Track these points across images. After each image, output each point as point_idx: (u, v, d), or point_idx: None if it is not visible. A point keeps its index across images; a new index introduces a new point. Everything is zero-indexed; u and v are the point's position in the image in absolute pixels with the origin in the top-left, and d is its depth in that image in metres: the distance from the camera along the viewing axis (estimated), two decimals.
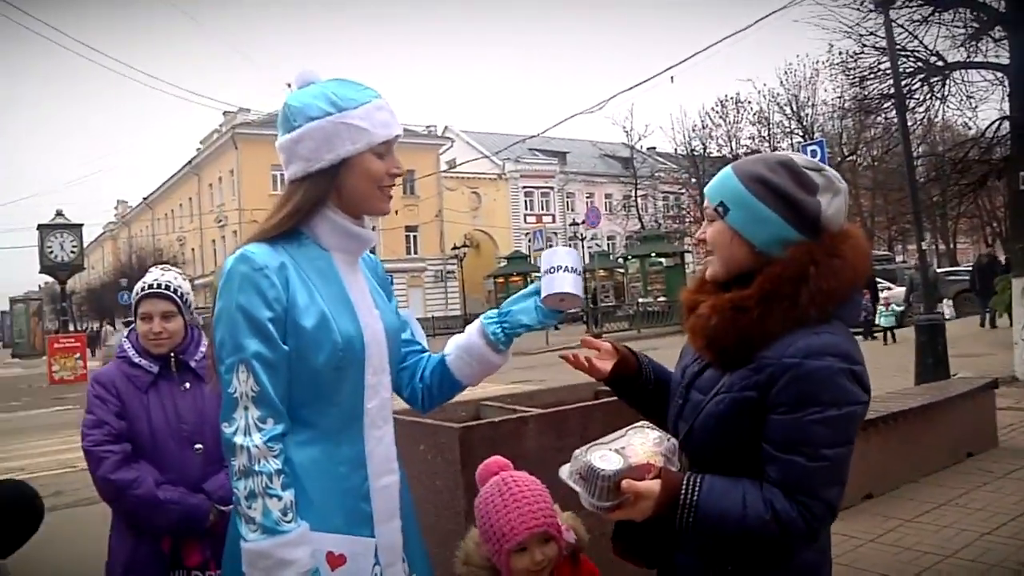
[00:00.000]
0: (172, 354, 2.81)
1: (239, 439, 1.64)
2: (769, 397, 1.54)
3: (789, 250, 1.61)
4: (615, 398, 2.00)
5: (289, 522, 1.63)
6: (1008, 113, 10.62)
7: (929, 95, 11.47)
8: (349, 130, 1.77)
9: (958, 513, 5.08)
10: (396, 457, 1.91)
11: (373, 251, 2.05)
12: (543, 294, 1.89)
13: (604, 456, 1.57)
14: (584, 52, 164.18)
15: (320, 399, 1.75)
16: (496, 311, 2.01)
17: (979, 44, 10.99)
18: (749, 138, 40.65)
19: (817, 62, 33.00)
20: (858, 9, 11.22)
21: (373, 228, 1.99)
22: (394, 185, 1.87)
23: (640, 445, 1.62)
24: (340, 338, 1.73)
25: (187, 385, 2.80)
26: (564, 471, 1.63)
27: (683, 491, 1.54)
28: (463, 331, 2.05)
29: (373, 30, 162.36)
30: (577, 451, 1.61)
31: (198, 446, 2.74)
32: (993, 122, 11.11)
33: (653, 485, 1.54)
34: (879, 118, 12.63)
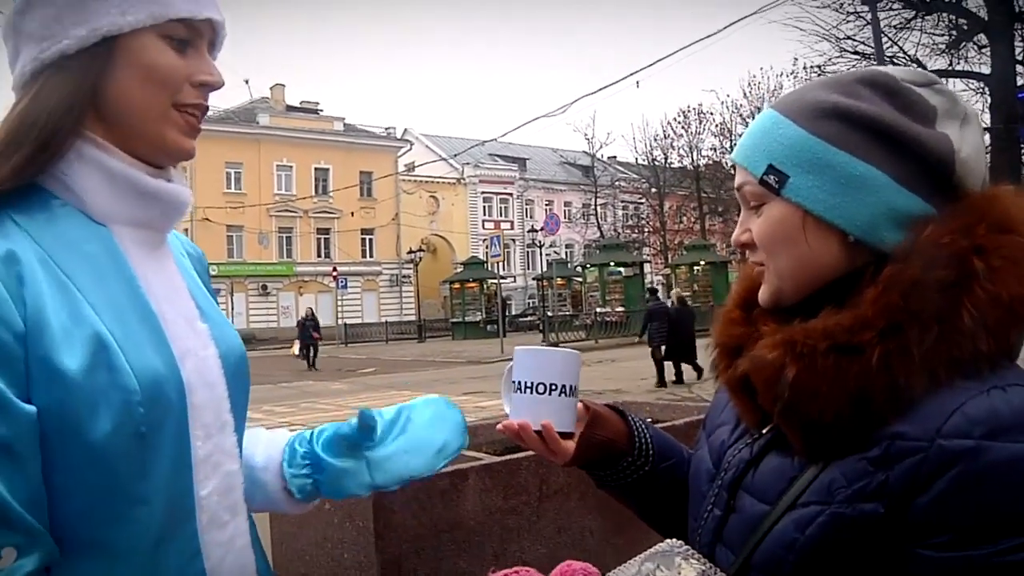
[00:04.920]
0: None
1: None
2: (912, 514, 0.79)
3: (923, 232, 0.85)
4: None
5: None
6: (989, 125, 10.15)
7: None
8: None
9: None
10: (259, 559, 1.10)
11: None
12: (510, 419, 1.07)
13: None
14: (548, 58, 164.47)
15: (110, 498, 0.90)
16: (308, 450, 1.20)
17: (960, 52, 10.53)
18: (711, 149, 40.64)
19: (781, 74, 32.94)
20: (838, 11, 10.72)
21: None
22: (205, 109, 1.04)
23: None
24: (136, 381, 0.89)
25: None
26: None
27: None
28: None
29: (333, 29, 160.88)
30: None
31: None
32: None
33: None
34: None
